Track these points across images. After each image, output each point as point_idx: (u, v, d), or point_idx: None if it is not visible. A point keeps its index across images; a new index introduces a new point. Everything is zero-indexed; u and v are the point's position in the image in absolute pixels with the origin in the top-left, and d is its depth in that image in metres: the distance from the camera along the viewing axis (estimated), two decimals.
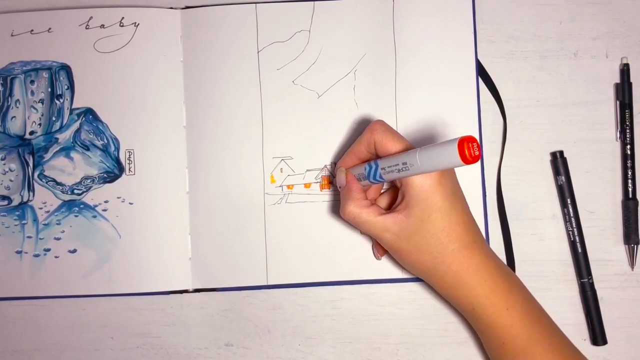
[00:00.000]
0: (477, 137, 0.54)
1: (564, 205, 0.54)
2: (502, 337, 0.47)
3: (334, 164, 0.54)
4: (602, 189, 0.55)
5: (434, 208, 0.45)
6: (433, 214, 0.45)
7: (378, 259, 0.53)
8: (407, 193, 0.46)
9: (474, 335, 0.54)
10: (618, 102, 0.54)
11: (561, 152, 0.54)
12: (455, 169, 0.47)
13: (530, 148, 0.55)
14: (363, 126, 0.54)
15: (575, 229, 0.54)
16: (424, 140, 0.53)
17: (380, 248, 0.52)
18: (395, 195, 0.50)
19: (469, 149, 0.40)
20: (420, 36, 0.54)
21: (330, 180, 0.54)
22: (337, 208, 0.54)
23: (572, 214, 0.54)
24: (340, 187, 0.50)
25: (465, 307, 0.48)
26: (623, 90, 0.54)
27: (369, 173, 0.48)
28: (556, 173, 0.54)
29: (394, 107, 0.54)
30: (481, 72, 0.54)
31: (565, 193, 0.54)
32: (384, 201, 0.51)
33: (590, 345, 0.53)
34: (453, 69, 0.54)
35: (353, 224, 0.49)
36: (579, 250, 0.54)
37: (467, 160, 0.40)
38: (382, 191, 0.52)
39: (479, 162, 0.53)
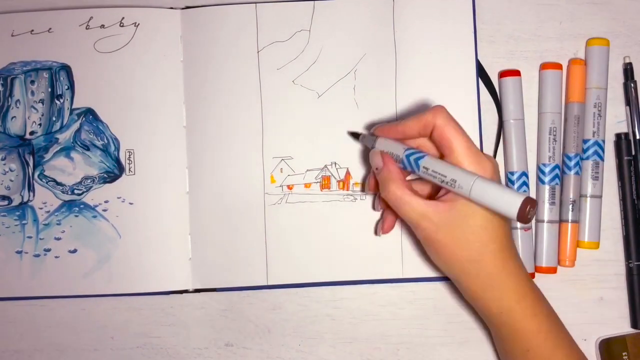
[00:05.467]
0: (477, 137, 0.54)
1: None
2: (528, 343, 0.46)
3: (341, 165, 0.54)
4: None
5: (479, 207, 0.45)
6: (478, 211, 0.45)
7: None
8: None
9: (474, 335, 0.54)
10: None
11: None
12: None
13: (530, 149, 0.55)
14: (363, 126, 0.54)
15: None
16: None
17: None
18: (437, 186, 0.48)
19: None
20: (420, 36, 0.54)
21: (331, 180, 0.54)
22: (337, 208, 0.54)
23: None
24: (376, 169, 0.49)
25: (492, 310, 0.47)
26: (627, 89, 0.54)
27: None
28: None
29: (394, 107, 0.54)
30: (481, 72, 0.54)
31: None
32: (424, 190, 0.50)
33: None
34: (453, 69, 0.54)
35: (395, 206, 0.47)
36: None
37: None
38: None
39: None
